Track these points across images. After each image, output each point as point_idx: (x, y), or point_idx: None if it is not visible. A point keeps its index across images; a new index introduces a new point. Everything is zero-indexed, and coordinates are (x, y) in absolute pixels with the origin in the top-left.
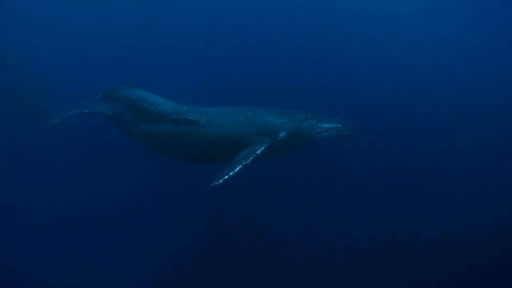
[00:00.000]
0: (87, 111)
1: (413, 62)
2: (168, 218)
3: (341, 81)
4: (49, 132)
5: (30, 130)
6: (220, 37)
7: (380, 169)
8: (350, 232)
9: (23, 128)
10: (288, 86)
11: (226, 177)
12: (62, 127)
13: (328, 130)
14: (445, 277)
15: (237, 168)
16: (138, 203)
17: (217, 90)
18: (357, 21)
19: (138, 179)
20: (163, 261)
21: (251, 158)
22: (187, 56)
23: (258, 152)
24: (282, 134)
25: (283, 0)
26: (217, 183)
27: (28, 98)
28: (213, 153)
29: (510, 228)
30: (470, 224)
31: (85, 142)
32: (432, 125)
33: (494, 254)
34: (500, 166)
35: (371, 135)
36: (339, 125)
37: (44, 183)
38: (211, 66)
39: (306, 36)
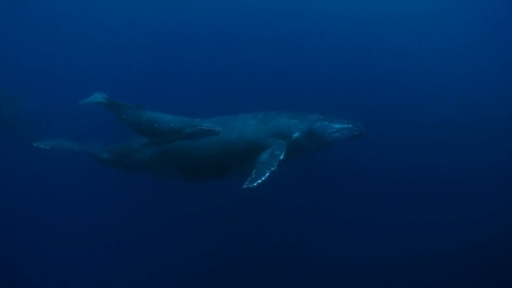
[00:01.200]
0: (79, 149)
1: (423, 71)
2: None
3: (348, 90)
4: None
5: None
6: (219, 49)
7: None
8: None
9: None
10: (296, 95)
11: (260, 181)
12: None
13: (340, 130)
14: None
15: (266, 174)
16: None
17: (216, 102)
18: (366, 31)
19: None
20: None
21: (275, 163)
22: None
23: (281, 156)
24: (295, 135)
25: (292, 12)
26: (251, 186)
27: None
28: (228, 161)
29: None
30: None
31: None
32: (439, 134)
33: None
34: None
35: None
36: (350, 125)
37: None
38: (209, 78)
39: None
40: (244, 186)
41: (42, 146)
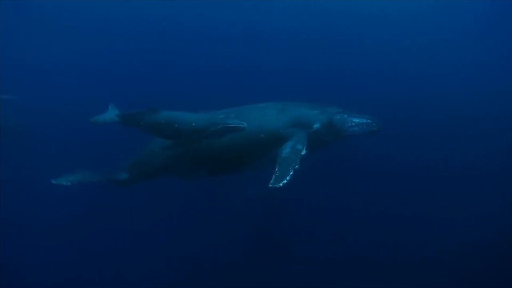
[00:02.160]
0: (99, 178)
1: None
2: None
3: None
4: None
5: None
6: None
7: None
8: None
9: None
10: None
11: (285, 181)
12: None
13: (359, 125)
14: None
15: (291, 173)
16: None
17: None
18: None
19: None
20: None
21: (298, 160)
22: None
23: (303, 152)
24: (316, 125)
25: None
26: (277, 186)
27: None
28: (248, 152)
29: None
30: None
31: None
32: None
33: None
34: None
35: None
36: (369, 121)
37: None
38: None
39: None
40: (270, 185)
41: (63, 183)
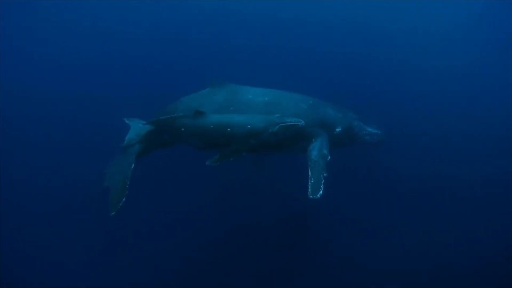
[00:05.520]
0: (131, 166)
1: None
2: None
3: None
4: None
5: None
6: None
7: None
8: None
9: None
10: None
11: (321, 191)
12: None
13: (371, 134)
14: None
15: (323, 181)
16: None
17: None
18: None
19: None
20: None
21: (325, 166)
22: None
23: (329, 157)
24: (338, 129)
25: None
26: (315, 197)
27: None
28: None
29: None
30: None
31: None
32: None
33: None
34: None
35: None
36: (379, 132)
37: None
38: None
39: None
40: (310, 196)
41: (121, 204)
